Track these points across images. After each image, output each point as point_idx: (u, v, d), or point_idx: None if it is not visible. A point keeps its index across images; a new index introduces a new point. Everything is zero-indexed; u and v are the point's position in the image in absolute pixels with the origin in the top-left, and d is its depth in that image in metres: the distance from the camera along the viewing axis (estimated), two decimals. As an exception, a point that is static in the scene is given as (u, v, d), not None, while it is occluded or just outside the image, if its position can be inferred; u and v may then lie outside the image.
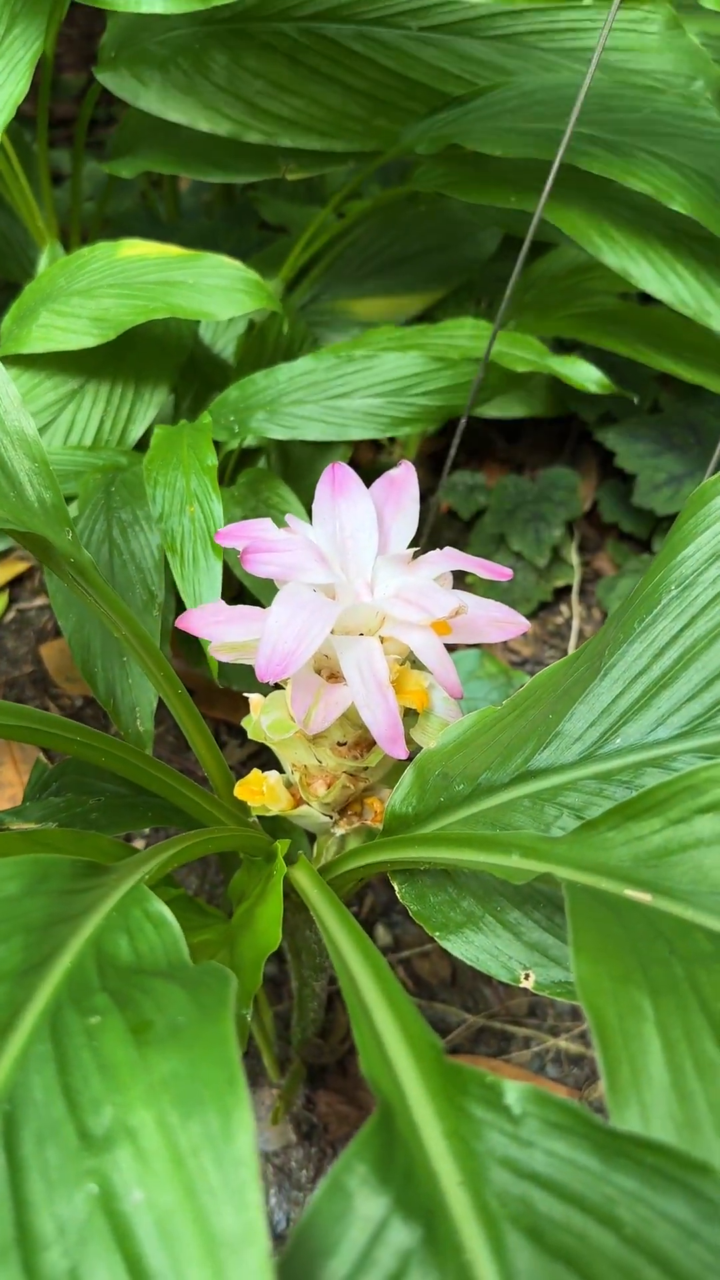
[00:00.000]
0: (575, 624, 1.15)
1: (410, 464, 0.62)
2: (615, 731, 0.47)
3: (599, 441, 1.26)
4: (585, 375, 0.86)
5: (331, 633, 0.52)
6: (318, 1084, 0.90)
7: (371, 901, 1.01)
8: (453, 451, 0.87)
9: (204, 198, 1.71)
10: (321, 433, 0.82)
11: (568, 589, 1.19)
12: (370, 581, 0.58)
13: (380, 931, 0.99)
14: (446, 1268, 0.28)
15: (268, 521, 0.59)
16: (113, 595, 0.55)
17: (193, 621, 0.57)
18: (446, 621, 0.55)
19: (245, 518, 0.91)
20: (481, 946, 0.46)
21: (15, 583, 1.28)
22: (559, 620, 1.18)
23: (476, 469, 1.28)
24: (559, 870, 0.38)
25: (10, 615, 1.24)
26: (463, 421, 0.85)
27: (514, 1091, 0.30)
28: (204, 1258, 0.27)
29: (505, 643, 1.15)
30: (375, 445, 1.31)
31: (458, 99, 0.85)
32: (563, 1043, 0.94)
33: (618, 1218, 0.28)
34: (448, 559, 0.57)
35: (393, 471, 0.62)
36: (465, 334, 0.88)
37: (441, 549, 0.58)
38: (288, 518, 0.59)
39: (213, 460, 0.74)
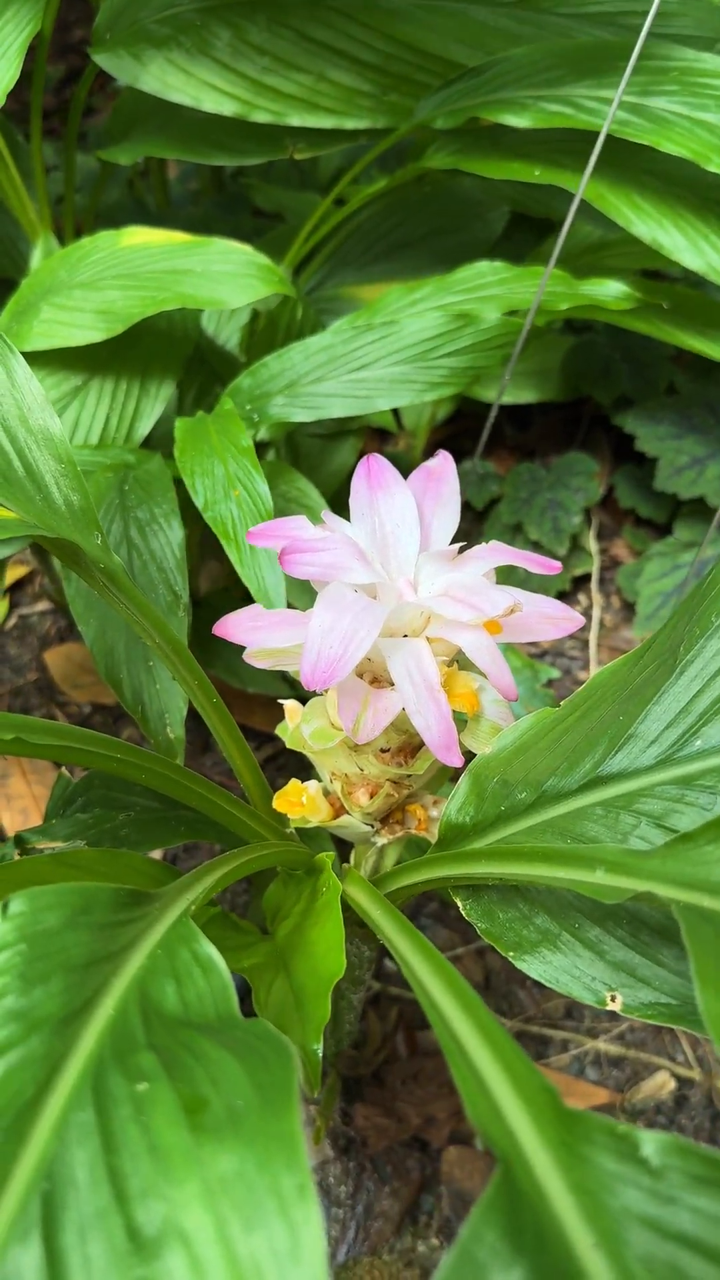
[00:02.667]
0: (596, 613, 1.12)
1: (447, 454, 0.59)
2: (695, 733, 0.44)
3: (612, 426, 1.23)
4: (610, 291, 0.83)
5: (375, 635, 0.49)
6: (354, 1096, 0.87)
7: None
8: (486, 432, 0.83)
9: (191, 186, 1.67)
10: (347, 408, 0.78)
11: (586, 577, 1.16)
12: (414, 580, 0.55)
13: (409, 936, 0.96)
14: None
15: (302, 519, 0.56)
16: (143, 600, 0.52)
17: (230, 627, 0.54)
18: (498, 620, 0.52)
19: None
20: (560, 967, 0.43)
21: (15, 587, 1.24)
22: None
23: (486, 457, 1.25)
24: (658, 889, 0.35)
25: (12, 621, 1.20)
26: (496, 406, 0.82)
27: (652, 1143, 0.27)
28: None
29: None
30: (381, 436, 1.28)
31: (472, 70, 0.81)
32: (601, 1045, 0.92)
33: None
34: (495, 553, 0.54)
35: (430, 462, 0.59)
36: (485, 281, 0.84)
37: (488, 544, 0.55)
38: (324, 514, 0.56)
39: (247, 441, 0.71)
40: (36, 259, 1.06)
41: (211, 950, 0.36)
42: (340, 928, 0.45)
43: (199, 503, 0.69)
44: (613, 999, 0.41)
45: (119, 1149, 0.28)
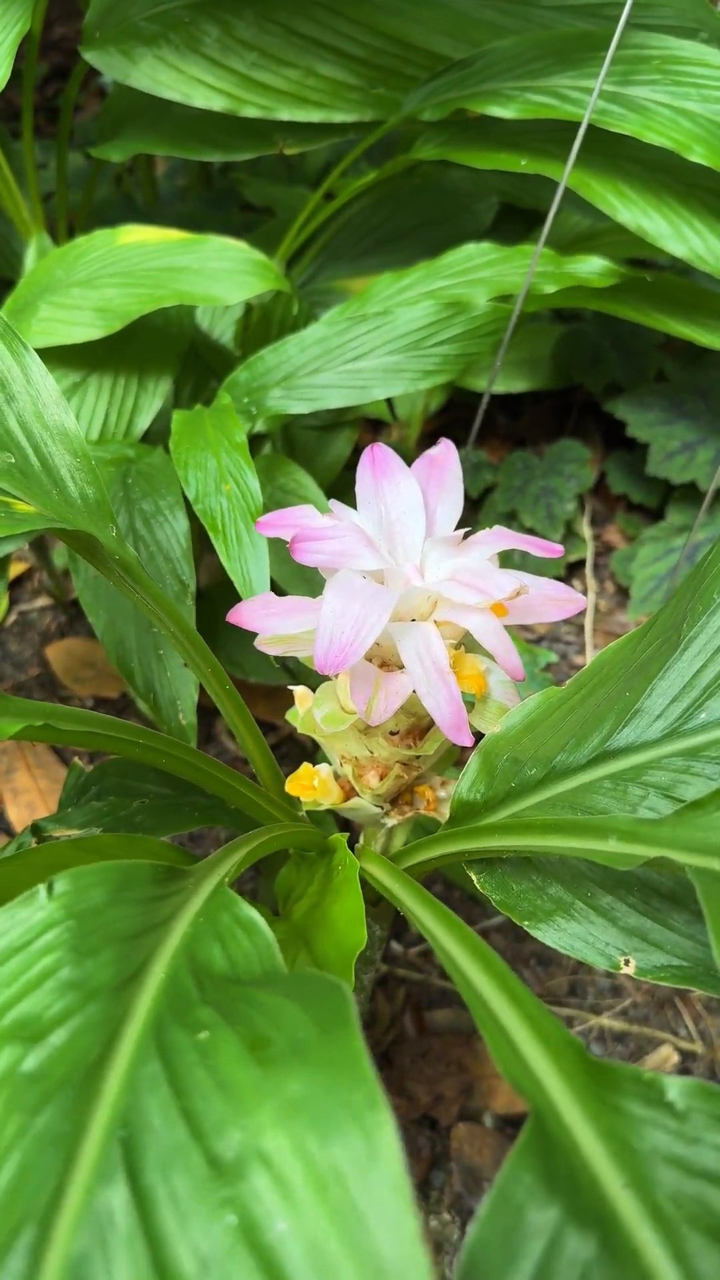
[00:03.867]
0: (590, 598, 1.14)
1: (449, 442, 0.60)
2: (700, 706, 0.46)
3: (603, 413, 1.24)
4: (594, 268, 0.84)
5: (383, 620, 0.51)
6: (364, 1077, 0.88)
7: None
8: (478, 421, 0.84)
9: (179, 182, 1.68)
10: (344, 398, 0.79)
11: (580, 563, 1.17)
12: (420, 565, 0.56)
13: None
14: (629, 1277, 0.26)
15: (309, 508, 0.57)
16: (158, 590, 0.53)
17: (243, 615, 0.55)
18: (504, 603, 0.53)
19: (265, 504, 0.89)
20: (575, 934, 0.44)
21: (15, 584, 1.25)
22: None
23: (479, 446, 1.27)
24: (671, 854, 0.37)
25: (12, 618, 1.21)
26: (487, 395, 0.83)
27: (676, 1087, 0.29)
28: (370, 1289, 0.25)
29: (519, 620, 1.14)
30: (375, 427, 1.29)
31: (459, 62, 0.83)
32: (605, 1020, 0.94)
33: None
34: (499, 538, 0.56)
35: (433, 450, 0.60)
36: (474, 264, 0.85)
37: (491, 529, 0.56)
38: (331, 503, 0.57)
39: (241, 437, 0.72)
40: (31, 257, 1.06)
41: (253, 912, 0.37)
42: (360, 902, 0.47)
43: (190, 495, 0.71)
44: (626, 963, 0.43)
45: (189, 1092, 0.29)
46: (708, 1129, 0.28)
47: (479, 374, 1.06)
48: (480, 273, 0.85)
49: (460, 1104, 0.88)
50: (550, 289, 0.82)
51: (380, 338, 0.81)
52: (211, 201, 1.46)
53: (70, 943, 0.35)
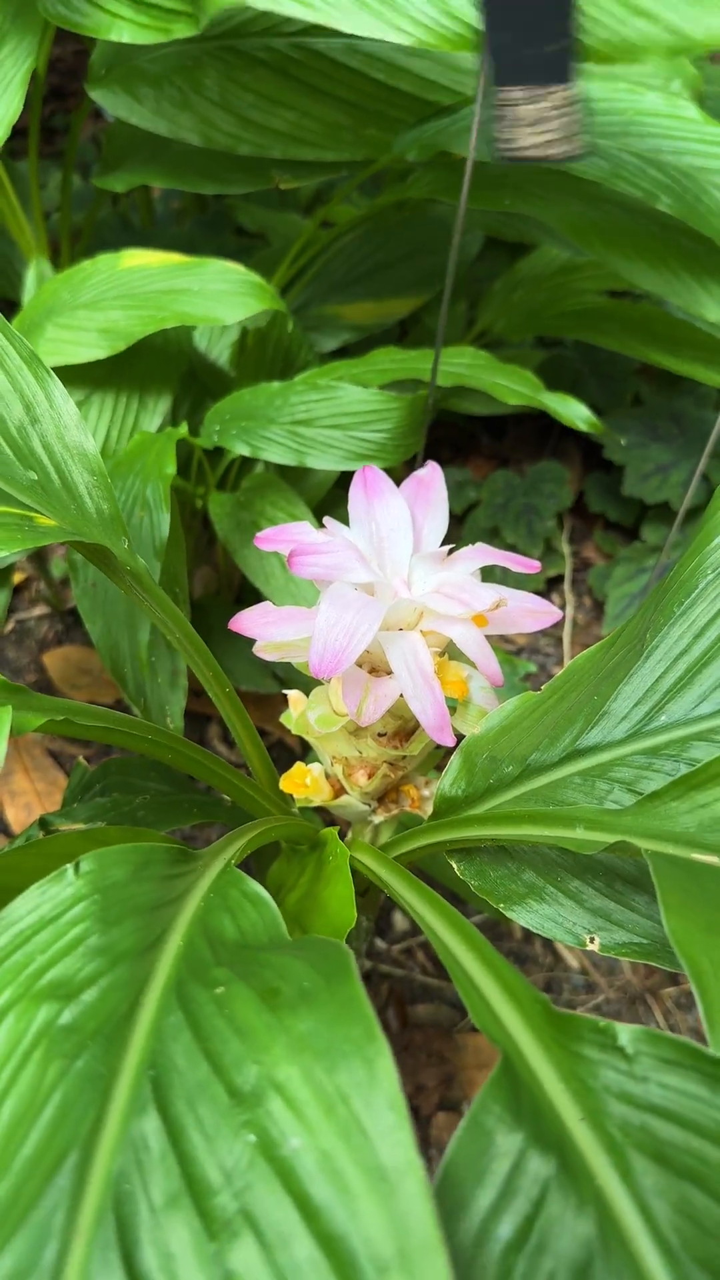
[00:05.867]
0: (569, 611, 1.19)
1: (436, 465, 0.65)
2: (660, 709, 0.50)
3: (582, 435, 1.30)
4: (575, 413, 0.89)
5: (373, 629, 0.55)
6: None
7: (388, 889, 1.04)
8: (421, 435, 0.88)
9: (174, 205, 1.73)
10: (282, 456, 0.83)
11: (559, 578, 1.22)
12: (408, 579, 0.61)
13: (397, 918, 1.02)
14: (583, 1192, 0.31)
15: (305, 525, 0.61)
16: (164, 598, 0.58)
17: (244, 622, 0.59)
18: (485, 614, 0.58)
19: (239, 527, 0.94)
20: (546, 915, 0.49)
21: (13, 593, 1.29)
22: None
23: (464, 464, 1.32)
24: (631, 840, 0.41)
25: (10, 625, 1.25)
26: (420, 455, 0.87)
27: (627, 1033, 0.33)
28: (368, 1189, 0.29)
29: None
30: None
31: (445, 108, 0.88)
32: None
33: (732, 1140, 0.31)
34: (481, 554, 0.60)
35: (420, 472, 0.65)
36: (426, 364, 0.89)
37: (474, 545, 0.61)
38: (326, 520, 0.62)
39: (171, 469, 0.76)
40: (31, 279, 1.11)
41: (259, 888, 0.42)
42: (350, 886, 0.51)
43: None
44: (591, 940, 0.47)
45: (209, 1037, 0.34)
46: (653, 1069, 0.33)
47: (464, 396, 1.11)
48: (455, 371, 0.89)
49: (440, 1093, 0.92)
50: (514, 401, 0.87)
51: (328, 409, 0.84)
52: (206, 225, 1.51)
53: (96, 914, 0.40)
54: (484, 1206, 0.31)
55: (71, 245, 1.21)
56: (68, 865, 0.41)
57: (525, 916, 0.49)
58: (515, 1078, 0.34)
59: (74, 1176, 0.32)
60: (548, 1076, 0.34)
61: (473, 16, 0.65)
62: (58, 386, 0.55)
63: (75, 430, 0.54)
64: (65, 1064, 0.35)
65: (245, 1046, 0.34)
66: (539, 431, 1.35)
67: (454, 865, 0.53)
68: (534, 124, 0.54)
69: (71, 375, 0.93)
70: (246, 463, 1.02)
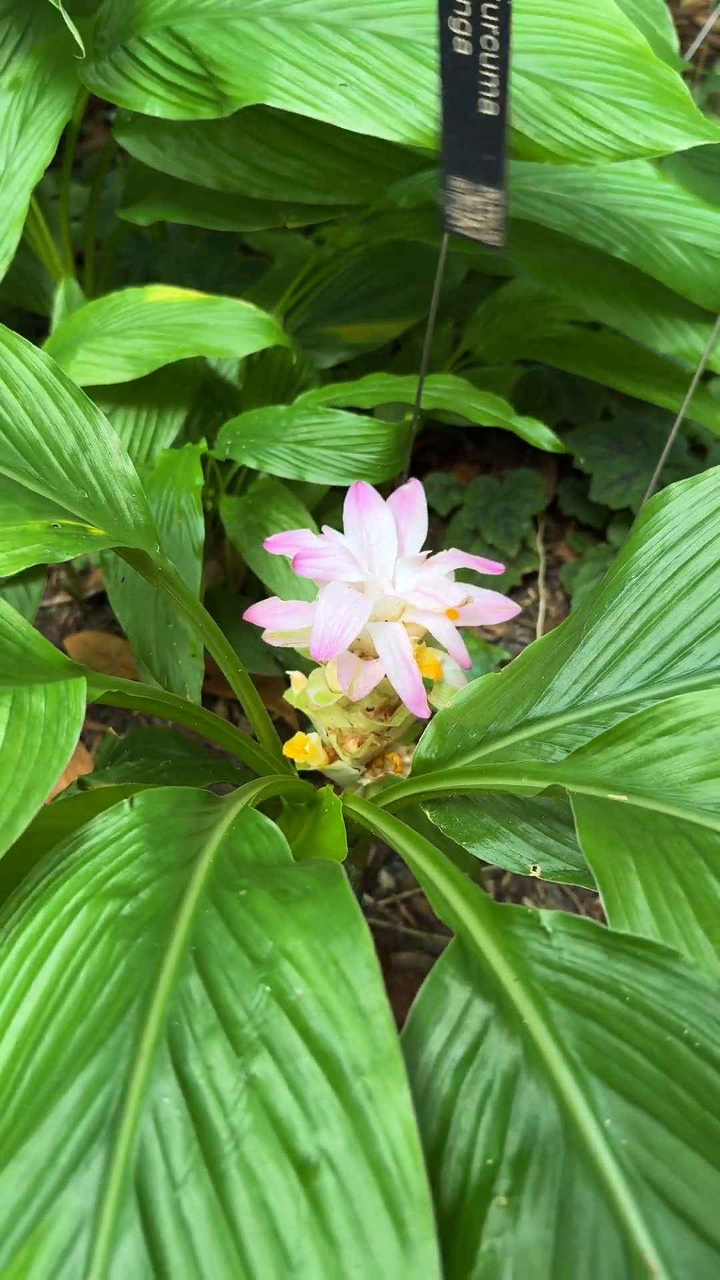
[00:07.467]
0: (542, 605, 1.31)
1: (418, 481, 0.77)
2: (593, 686, 0.63)
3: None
4: (541, 435, 1.00)
5: (362, 620, 0.67)
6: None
7: (375, 852, 1.17)
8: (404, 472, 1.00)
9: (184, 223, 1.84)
10: (285, 470, 0.95)
11: (534, 575, 1.34)
12: (392, 578, 0.73)
13: (384, 877, 1.14)
14: (513, 1026, 0.43)
15: (306, 532, 0.73)
16: (189, 592, 0.70)
17: (256, 615, 0.71)
18: (456, 609, 0.70)
19: (246, 529, 1.06)
20: (500, 850, 0.61)
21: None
22: (527, 602, 1.33)
23: (449, 470, 1.44)
24: (562, 784, 0.54)
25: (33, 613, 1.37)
26: (405, 471, 0.99)
27: (548, 916, 0.46)
28: (351, 1021, 0.42)
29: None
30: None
31: (433, 163, 0.99)
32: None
33: (620, 989, 0.43)
34: (454, 558, 0.72)
35: (404, 487, 0.77)
36: (413, 388, 1.01)
37: (448, 550, 0.73)
38: (324, 528, 0.74)
39: (199, 480, 0.88)
40: (60, 299, 1.22)
41: (271, 823, 0.54)
42: (343, 828, 0.63)
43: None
44: (534, 868, 0.59)
45: (236, 923, 0.46)
46: (566, 942, 0.45)
47: (447, 414, 1.23)
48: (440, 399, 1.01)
49: (420, 1031, 1.05)
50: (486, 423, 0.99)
51: (325, 432, 0.96)
52: (215, 243, 1.62)
53: (147, 837, 0.52)
54: (442, 1037, 0.43)
55: (100, 267, 1.33)
56: (124, 800, 0.53)
57: (483, 852, 0.62)
58: (465, 950, 0.46)
59: (137, 1017, 0.44)
60: (489, 949, 0.46)
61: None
62: (103, 421, 0.67)
63: (118, 457, 0.66)
64: (128, 942, 0.47)
65: (263, 929, 0.46)
66: (518, 441, 1.47)
67: (427, 813, 0.66)
68: (472, 211, 0.66)
69: (99, 393, 1.05)
70: (253, 471, 1.14)
